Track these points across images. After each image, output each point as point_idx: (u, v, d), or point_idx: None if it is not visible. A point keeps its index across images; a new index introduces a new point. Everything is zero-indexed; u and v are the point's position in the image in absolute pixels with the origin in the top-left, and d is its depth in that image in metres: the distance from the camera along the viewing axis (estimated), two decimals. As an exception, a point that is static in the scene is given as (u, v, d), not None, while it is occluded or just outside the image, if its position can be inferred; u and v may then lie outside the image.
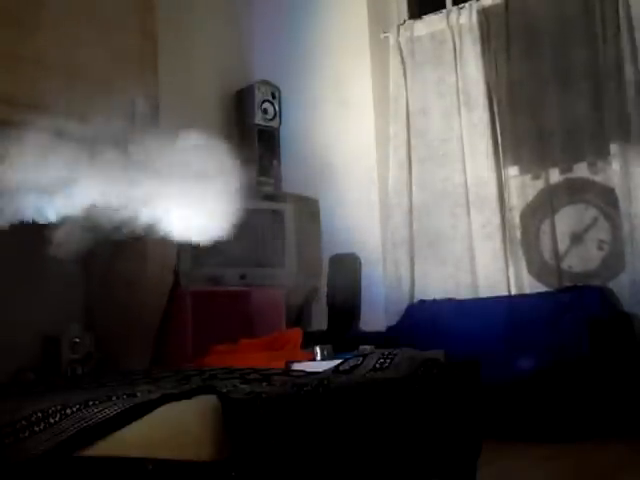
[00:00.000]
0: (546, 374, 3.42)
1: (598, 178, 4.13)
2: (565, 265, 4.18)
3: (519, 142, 4.33)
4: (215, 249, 3.89)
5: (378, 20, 4.86)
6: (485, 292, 4.28)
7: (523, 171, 4.34)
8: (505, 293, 4.25)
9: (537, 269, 4.25)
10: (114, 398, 1.67)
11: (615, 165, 4.02)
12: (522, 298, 4.17)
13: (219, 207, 2.51)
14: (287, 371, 2.45)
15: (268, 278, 4.34)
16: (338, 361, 2.34)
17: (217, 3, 4.90)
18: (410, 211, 4.58)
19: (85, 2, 3.67)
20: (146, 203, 2.72)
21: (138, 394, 1.70)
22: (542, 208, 4.26)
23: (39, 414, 1.66)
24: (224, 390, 1.62)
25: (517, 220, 4.33)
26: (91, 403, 1.65)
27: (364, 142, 4.75)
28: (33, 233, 2.76)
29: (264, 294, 4.21)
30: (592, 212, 4.15)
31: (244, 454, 1.53)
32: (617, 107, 4.02)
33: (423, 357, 2.25)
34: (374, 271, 4.58)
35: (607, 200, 4.07)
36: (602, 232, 4.12)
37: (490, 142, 4.37)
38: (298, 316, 4.50)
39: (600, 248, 4.11)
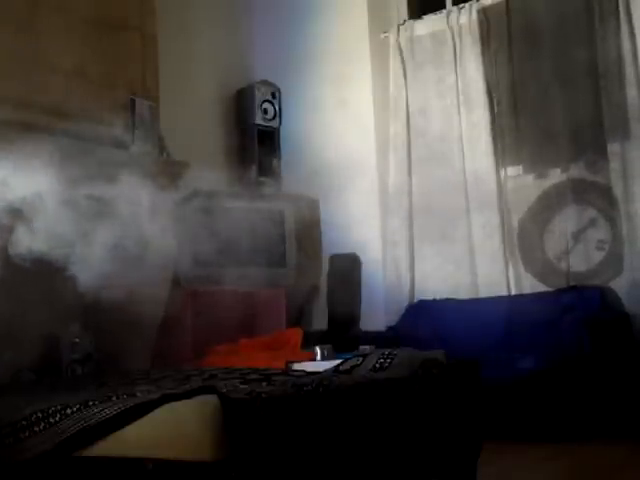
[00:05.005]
0: (546, 374, 3.42)
1: (597, 178, 4.12)
2: (566, 265, 4.18)
3: (519, 142, 4.33)
4: (215, 249, 3.90)
5: (378, 20, 4.86)
6: (485, 292, 4.28)
7: (525, 171, 4.34)
8: (505, 293, 4.25)
9: (540, 269, 4.25)
10: (114, 398, 1.67)
11: (614, 165, 4.02)
12: (522, 298, 4.17)
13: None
14: (287, 371, 2.45)
15: (268, 278, 4.34)
16: (338, 361, 2.34)
17: (217, 3, 4.90)
18: (410, 211, 4.57)
19: (86, 2, 3.68)
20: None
21: (138, 394, 1.71)
22: (545, 208, 4.26)
23: (39, 414, 1.67)
24: (224, 390, 1.62)
25: (517, 220, 4.33)
26: (91, 403, 1.65)
27: (364, 142, 4.74)
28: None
29: (264, 294, 4.21)
30: (590, 212, 4.15)
31: (244, 454, 1.53)
32: (617, 106, 4.02)
33: (423, 357, 2.25)
34: (374, 271, 4.58)
35: (607, 200, 4.07)
36: (601, 232, 4.11)
37: (490, 142, 4.37)
38: (298, 316, 4.51)
39: (600, 248, 4.10)
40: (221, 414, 1.53)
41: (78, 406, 1.65)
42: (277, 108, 4.91)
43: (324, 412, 1.77)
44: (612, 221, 4.06)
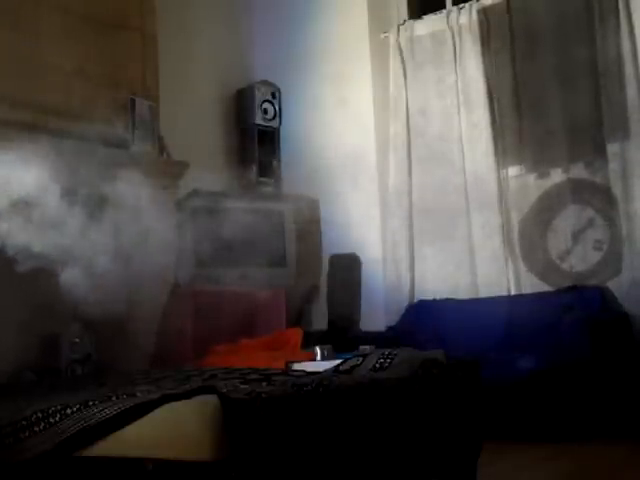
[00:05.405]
0: (546, 374, 3.42)
1: (596, 178, 4.12)
2: (567, 265, 4.18)
3: (519, 142, 4.33)
4: (215, 249, 3.89)
5: (378, 20, 4.86)
6: (485, 292, 4.28)
7: (526, 171, 4.33)
8: (505, 293, 4.25)
9: (542, 269, 4.24)
10: (114, 398, 1.67)
11: (614, 165, 4.01)
12: (522, 298, 4.16)
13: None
14: (287, 371, 2.45)
15: (268, 278, 4.34)
16: (338, 361, 2.34)
17: (217, 3, 4.90)
18: (410, 211, 4.57)
19: (86, 2, 3.68)
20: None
21: (138, 394, 1.71)
22: (546, 208, 4.25)
23: (39, 414, 1.67)
24: (224, 390, 1.62)
25: (517, 220, 4.33)
26: (91, 403, 1.65)
27: (364, 142, 4.74)
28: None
29: (264, 294, 4.21)
30: (589, 212, 4.15)
31: (244, 454, 1.53)
32: (617, 106, 4.02)
33: (423, 357, 2.25)
34: (374, 271, 4.58)
35: (606, 200, 4.07)
36: (598, 232, 4.11)
37: (490, 142, 4.37)
38: (298, 316, 4.50)
39: (597, 248, 4.10)
40: (221, 414, 1.53)
41: (78, 406, 1.65)
42: (277, 108, 4.91)
43: (324, 412, 1.77)
44: (611, 221, 4.06)
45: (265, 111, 4.87)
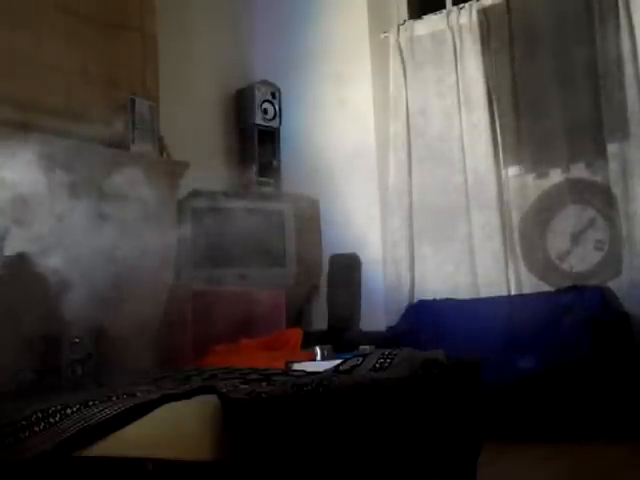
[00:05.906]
0: (546, 375, 3.42)
1: (596, 178, 4.12)
2: (567, 265, 4.18)
3: (519, 142, 4.33)
4: (215, 249, 3.90)
5: (378, 20, 4.86)
6: (485, 292, 4.28)
7: (525, 171, 4.33)
8: (505, 293, 4.25)
9: (541, 269, 4.24)
10: (114, 398, 1.67)
11: (613, 165, 4.02)
12: (522, 298, 4.16)
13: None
14: (287, 371, 2.45)
15: (268, 278, 4.34)
16: (338, 361, 2.34)
17: (217, 3, 4.90)
18: (410, 211, 4.57)
19: (86, 2, 3.68)
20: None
21: (138, 394, 1.71)
22: (546, 208, 4.25)
23: (39, 414, 1.67)
24: (224, 390, 1.62)
25: (517, 220, 4.33)
26: (91, 403, 1.65)
27: (364, 142, 4.74)
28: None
29: (264, 294, 4.21)
30: (590, 212, 4.15)
31: (244, 454, 1.53)
32: (617, 106, 4.02)
33: (423, 357, 2.25)
34: (374, 271, 4.58)
35: (606, 200, 4.07)
36: (599, 232, 4.11)
37: (490, 142, 4.37)
38: (298, 316, 4.51)
39: (598, 248, 4.10)
40: (221, 414, 1.53)
41: (78, 406, 1.65)
42: (277, 108, 4.91)
43: (324, 412, 1.77)
44: (611, 221, 4.06)
45: (265, 111, 4.87)
